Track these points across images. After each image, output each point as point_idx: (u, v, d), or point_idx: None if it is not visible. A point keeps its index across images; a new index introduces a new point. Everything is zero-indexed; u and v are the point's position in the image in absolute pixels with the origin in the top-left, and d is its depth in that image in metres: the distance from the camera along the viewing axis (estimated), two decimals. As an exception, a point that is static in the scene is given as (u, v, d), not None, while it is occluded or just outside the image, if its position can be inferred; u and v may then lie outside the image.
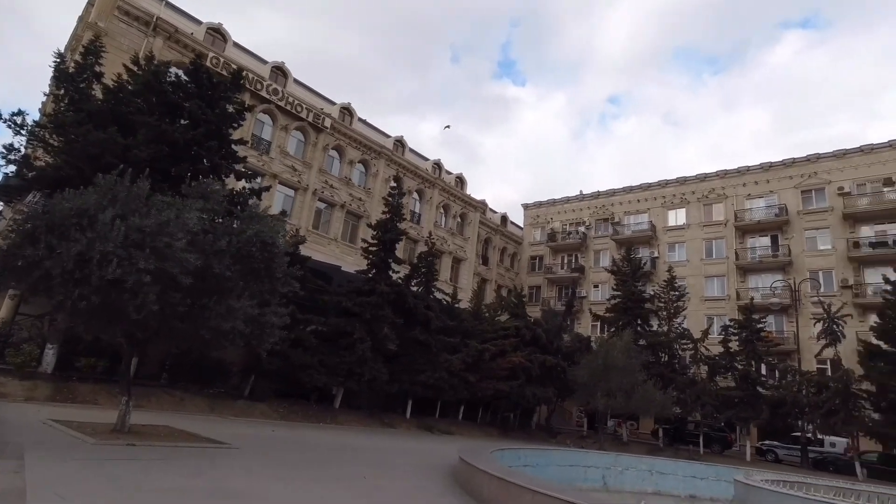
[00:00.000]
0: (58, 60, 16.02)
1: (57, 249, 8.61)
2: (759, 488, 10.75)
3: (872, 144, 35.75)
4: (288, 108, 30.12)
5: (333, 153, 33.53)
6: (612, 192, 47.55)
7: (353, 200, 33.79)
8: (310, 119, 31.24)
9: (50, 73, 16.66)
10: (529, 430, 32.17)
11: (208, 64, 22.56)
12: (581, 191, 50.17)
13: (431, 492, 9.08)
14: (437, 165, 41.17)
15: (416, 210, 38.15)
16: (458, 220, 42.35)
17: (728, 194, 40.62)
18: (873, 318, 31.07)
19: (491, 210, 49.66)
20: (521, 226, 53.21)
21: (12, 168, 14.95)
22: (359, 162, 34.87)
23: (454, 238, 40.95)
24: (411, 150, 40.06)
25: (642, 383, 24.80)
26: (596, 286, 45.79)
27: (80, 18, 26.71)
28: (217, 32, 28.38)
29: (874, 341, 25.43)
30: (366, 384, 21.41)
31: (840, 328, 26.76)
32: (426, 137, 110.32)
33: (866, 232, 34.68)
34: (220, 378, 20.05)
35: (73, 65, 16.32)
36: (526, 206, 53.43)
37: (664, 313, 31.38)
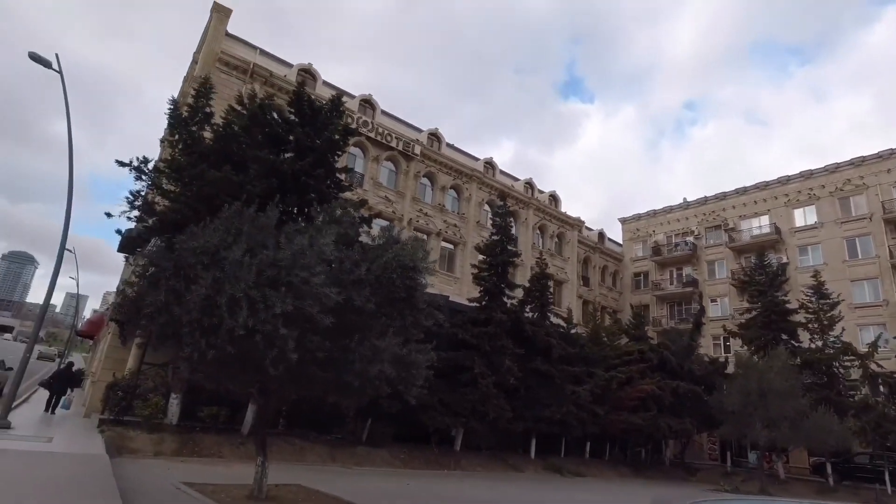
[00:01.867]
0: (172, 107, 16.09)
1: (182, 294, 7.58)
2: None
3: None
4: (378, 138, 29.74)
5: (425, 181, 32.70)
6: (722, 196, 43.13)
7: (449, 227, 32.59)
8: (400, 147, 30.68)
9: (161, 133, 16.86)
10: (663, 467, 28.52)
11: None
12: (685, 198, 46.13)
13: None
14: (530, 185, 39.28)
15: (513, 233, 36.24)
16: (556, 240, 39.95)
17: (869, 184, 35.24)
18: None
19: (587, 228, 46.81)
20: (620, 242, 49.69)
21: (135, 213, 14.89)
22: (450, 187, 33.79)
23: (553, 259, 38.45)
24: (502, 172, 38.58)
25: (810, 410, 20.92)
26: (714, 300, 41.24)
27: (185, 78, 27.97)
28: (307, 73, 28.70)
29: None
30: (488, 423, 19.48)
31: None
32: (497, 160, 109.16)
33: None
34: (336, 423, 18.98)
35: (185, 109, 16.30)
36: (623, 221, 49.95)
37: (815, 325, 26.95)
